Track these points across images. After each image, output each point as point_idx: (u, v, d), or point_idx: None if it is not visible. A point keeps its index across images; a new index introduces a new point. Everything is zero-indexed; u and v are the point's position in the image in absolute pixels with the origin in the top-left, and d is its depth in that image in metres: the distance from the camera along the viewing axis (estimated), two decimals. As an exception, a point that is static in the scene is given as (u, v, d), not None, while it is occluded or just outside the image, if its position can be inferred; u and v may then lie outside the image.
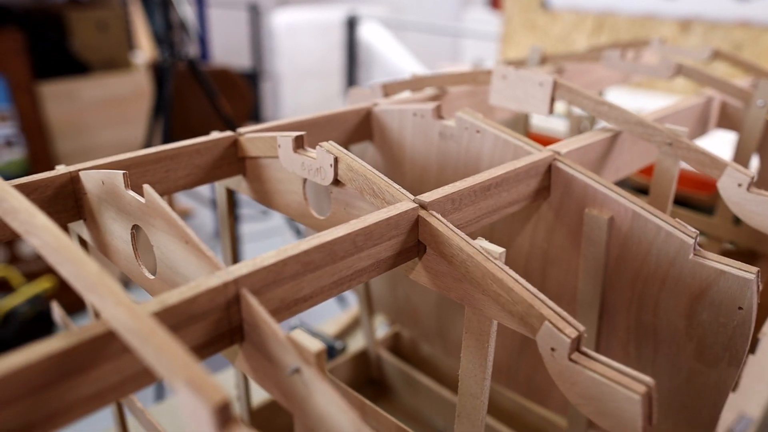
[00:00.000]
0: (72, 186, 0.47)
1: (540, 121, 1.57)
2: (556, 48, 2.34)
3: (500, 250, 0.39)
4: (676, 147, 0.57)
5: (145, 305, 0.29)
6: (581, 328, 0.35)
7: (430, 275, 0.43)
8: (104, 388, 0.29)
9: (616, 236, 0.50)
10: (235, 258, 0.65)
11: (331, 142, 0.47)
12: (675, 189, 0.59)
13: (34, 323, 1.92)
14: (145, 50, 3.27)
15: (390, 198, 0.43)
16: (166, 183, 0.53)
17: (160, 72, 1.62)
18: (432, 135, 0.61)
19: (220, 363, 1.50)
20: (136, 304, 0.28)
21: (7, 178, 0.43)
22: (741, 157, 0.76)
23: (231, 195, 0.62)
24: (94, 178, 0.45)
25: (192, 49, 1.77)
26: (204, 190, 2.81)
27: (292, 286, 0.36)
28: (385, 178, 0.44)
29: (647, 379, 0.33)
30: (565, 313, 0.36)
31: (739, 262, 0.45)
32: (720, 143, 1.14)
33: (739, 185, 0.53)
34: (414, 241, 0.42)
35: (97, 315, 0.53)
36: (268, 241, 2.59)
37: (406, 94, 0.74)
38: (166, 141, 1.75)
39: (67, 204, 0.47)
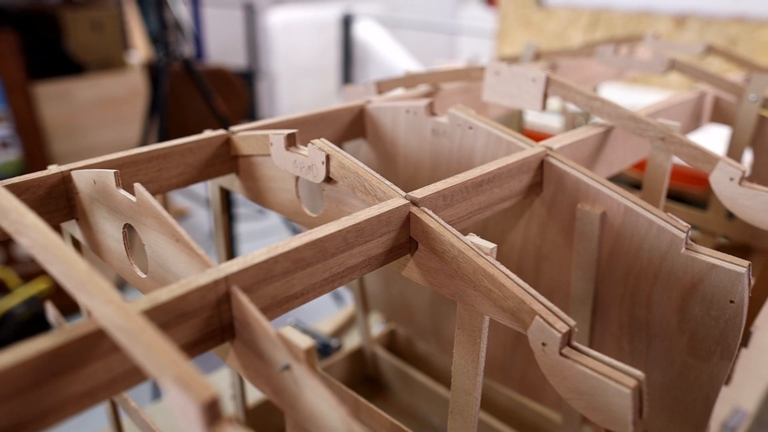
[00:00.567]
0: (64, 186, 0.47)
1: (535, 118, 1.57)
2: (552, 44, 2.35)
3: (491, 245, 0.39)
4: (669, 142, 0.57)
5: (136, 303, 0.29)
6: (572, 322, 0.35)
7: (422, 272, 0.43)
8: (95, 386, 0.29)
9: (609, 231, 0.50)
10: (230, 257, 0.65)
11: (322, 139, 0.47)
12: (668, 183, 0.59)
13: (31, 325, 1.92)
14: (140, 50, 3.26)
15: (381, 195, 0.43)
16: (159, 182, 0.53)
17: (155, 72, 1.62)
18: (425, 132, 0.61)
19: (216, 362, 1.50)
20: (126, 302, 0.28)
21: (2, 179, 0.43)
22: (734, 151, 0.76)
23: (225, 193, 0.62)
24: (85, 178, 0.45)
25: (187, 49, 1.77)
26: (200, 190, 2.80)
27: (283, 283, 0.36)
28: (377, 175, 0.44)
29: (637, 372, 0.33)
30: (556, 308, 0.36)
31: (731, 256, 0.45)
32: (715, 138, 1.14)
33: (731, 179, 0.54)
34: (406, 238, 0.42)
35: (89, 314, 0.53)
36: (264, 241, 2.59)
37: (399, 92, 0.75)
38: (161, 141, 1.74)
39: (59, 204, 0.47)
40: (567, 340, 0.35)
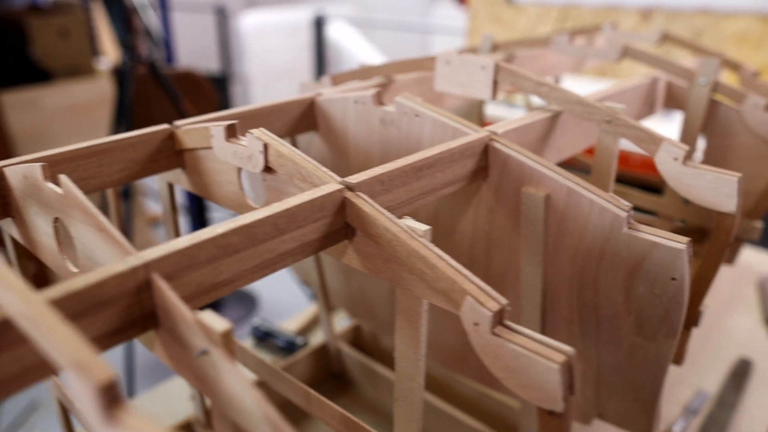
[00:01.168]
0: (-4, 182, 0.45)
1: (498, 111, 1.58)
2: (521, 41, 2.36)
3: (425, 227, 0.39)
4: (615, 124, 0.57)
5: (48, 291, 0.29)
6: (503, 301, 0.35)
7: (360, 257, 0.43)
8: (3, 378, 0.28)
9: (554, 214, 0.50)
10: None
11: (261, 129, 0.47)
12: (616, 167, 0.60)
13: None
14: (110, 56, 3.22)
15: (318, 181, 0.42)
16: (100, 177, 0.52)
17: (120, 76, 1.60)
18: (373, 122, 0.60)
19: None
20: (33, 291, 0.28)
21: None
22: (687, 135, 0.77)
23: (172, 189, 0.61)
24: (16, 173, 0.44)
25: (154, 53, 1.75)
26: (178, 197, 2.78)
27: (210, 270, 0.35)
28: (314, 162, 0.44)
29: (566, 348, 0.33)
30: (487, 287, 0.36)
31: (672, 234, 0.46)
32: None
33: (675, 159, 0.54)
34: (341, 224, 0.42)
35: None
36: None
37: (354, 84, 0.74)
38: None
39: (-8, 201, 0.46)
40: (499, 318, 0.35)
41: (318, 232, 0.40)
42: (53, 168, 0.47)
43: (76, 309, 0.29)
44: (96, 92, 2.44)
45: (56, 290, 0.29)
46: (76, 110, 2.38)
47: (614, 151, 0.59)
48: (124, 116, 1.63)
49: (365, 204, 0.40)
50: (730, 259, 0.80)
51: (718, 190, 0.52)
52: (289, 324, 1.00)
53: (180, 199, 2.77)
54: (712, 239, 0.55)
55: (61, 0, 2.82)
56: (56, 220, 0.42)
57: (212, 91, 2.20)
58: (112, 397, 0.23)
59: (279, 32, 3.62)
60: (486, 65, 0.63)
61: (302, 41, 3.63)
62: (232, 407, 0.29)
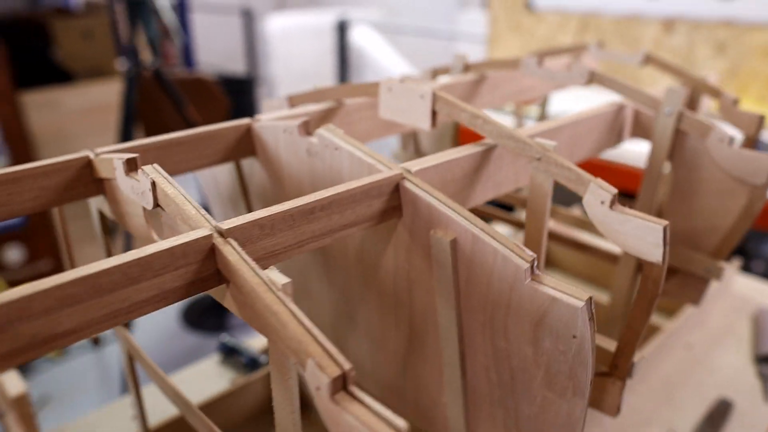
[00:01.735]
0: None
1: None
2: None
3: (284, 280, 0.37)
4: (545, 162, 0.54)
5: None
6: (347, 366, 0.33)
7: (236, 304, 0.41)
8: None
9: (462, 258, 0.48)
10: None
11: (155, 165, 0.46)
12: (550, 205, 0.57)
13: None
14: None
15: (194, 224, 0.41)
16: (11, 206, 0.52)
17: (127, 82, 1.63)
18: (301, 152, 0.59)
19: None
20: None
21: None
22: (653, 166, 0.73)
23: (103, 216, 0.61)
24: None
25: (158, 61, 1.77)
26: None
27: (47, 321, 0.34)
28: (195, 204, 0.42)
29: (400, 424, 0.31)
30: (334, 351, 0.34)
31: (575, 288, 0.43)
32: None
33: (602, 203, 0.51)
34: (212, 270, 0.40)
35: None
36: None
37: (311, 107, 0.73)
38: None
39: None
40: (341, 384, 0.33)
41: (182, 279, 0.39)
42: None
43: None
44: (116, 94, 2.49)
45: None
46: (96, 111, 2.43)
47: (547, 189, 0.56)
48: (129, 122, 1.65)
49: (231, 252, 0.39)
50: (696, 299, 0.75)
51: (644, 238, 0.49)
52: (256, 341, 0.99)
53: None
54: (639, 290, 0.52)
55: (92, 1, 2.89)
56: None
57: (223, 97, 2.22)
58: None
59: (305, 35, 3.63)
60: (424, 94, 0.61)
61: (327, 45, 3.64)
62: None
